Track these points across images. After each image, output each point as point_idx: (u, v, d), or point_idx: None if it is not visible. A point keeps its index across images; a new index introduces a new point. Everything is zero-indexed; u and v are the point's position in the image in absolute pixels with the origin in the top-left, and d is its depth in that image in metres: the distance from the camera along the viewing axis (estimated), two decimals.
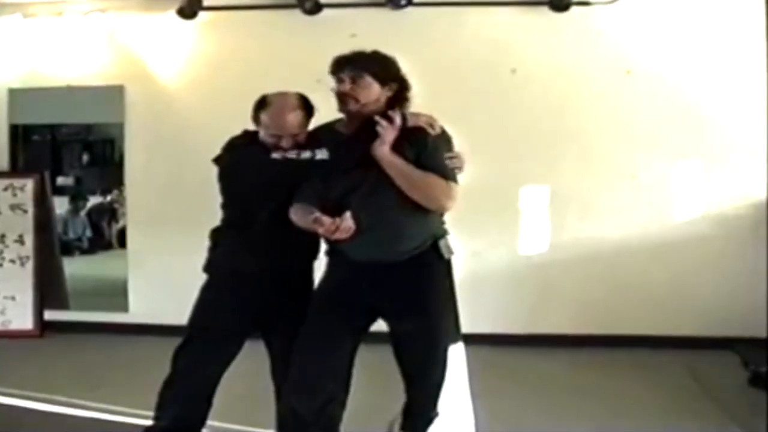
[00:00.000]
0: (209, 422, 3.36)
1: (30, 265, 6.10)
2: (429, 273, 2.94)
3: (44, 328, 6.08)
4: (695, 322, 5.56)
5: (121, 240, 6.30)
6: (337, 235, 2.71)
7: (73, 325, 6.04)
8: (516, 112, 5.65)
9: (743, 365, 4.97)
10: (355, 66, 2.93)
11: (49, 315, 6.12)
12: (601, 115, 5.61)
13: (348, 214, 2.72)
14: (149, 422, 3.35)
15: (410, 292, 2.91)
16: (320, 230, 2.72)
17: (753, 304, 5.43)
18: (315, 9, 5.68)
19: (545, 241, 5.74)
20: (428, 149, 2.88)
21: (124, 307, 6.10)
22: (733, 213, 5.54)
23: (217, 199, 3.29)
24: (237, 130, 3.27)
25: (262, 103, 3.15)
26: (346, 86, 2.92)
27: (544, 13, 5.57)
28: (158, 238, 5.93)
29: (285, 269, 3.19)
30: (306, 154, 2.93)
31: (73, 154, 6.71)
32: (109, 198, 6.65)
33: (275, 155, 3.00)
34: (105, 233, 6.71)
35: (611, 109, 5.59)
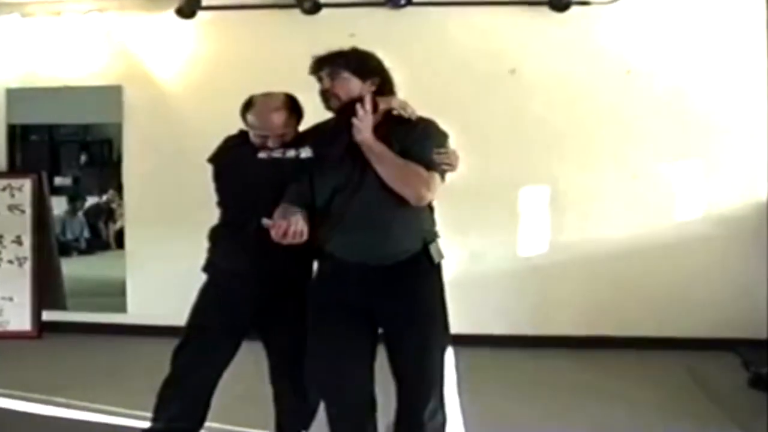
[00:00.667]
0: (208, 423, 3.35)
1: (28, 266, 6.09)
2: (421, 278, 2.92)
3: (42, 328, 6.06)
4: (695, 323, 5.55)
5: (119, 240, 6.30)
6: (288, 240, 2.70)
7: (71, 326, 6.02)
8: (515, 112, 5.64)
9: (744, 366, 4.97)
10: (332, 63, 2.93)
11: (47, 316, 6.10)
12: (601, 115, 5.60)
13: (298, 217, 2.72)
14: (148, 423, 3.33)
15: (403, 298, 2.88)
16: (272, 234, 2.70)
17: (754, 305, 5.43)
18: (314, 8, 5.66)
19: (545, 242, 5.73)
20: (413, 139, 2.86)
21: (122, 308, 6.09)
22: (734, 213, 5.54)
23: (216, 199, 3.29)
24: (235, 131, 3.27)
25: (248, 104, 3.18)
26: (326, 84, 2.93)
27: (544, 13, 5.56)
28: (156, 238, 5.91)
29: (282, 269, 3.17)
30: (291, 153, 2.95)
31: (71, 154, 6.70)
32: (104, 198, 6.64)
33: (261, 155, 3.02)
34: (103, 234, 6.70)
35: (611, 109, 5.58)
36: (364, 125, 2.79)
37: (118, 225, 6.44)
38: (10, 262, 6.09)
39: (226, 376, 3.30)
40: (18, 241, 6.09)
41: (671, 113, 5.53)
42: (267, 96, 3.18)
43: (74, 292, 6.28)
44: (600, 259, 5.61)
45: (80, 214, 6.68)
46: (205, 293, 3.31)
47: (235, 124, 3.26)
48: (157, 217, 5.96)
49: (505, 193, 5.69)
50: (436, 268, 2.96)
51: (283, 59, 5.52)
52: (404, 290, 2.88)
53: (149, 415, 3.32)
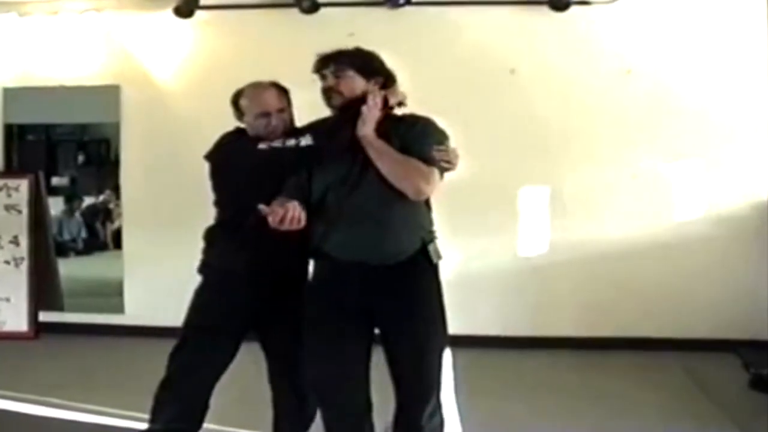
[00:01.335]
0: (206, 425, 3.32)
1: (25, 266, 6.07)
2: (419, 279, 2.90)
3: (39, 329, 6.04)
4: (696, 324, 5.54)
5: (117, 241, 6.29)
6: (285, 226, 2.66)
7: (68, 327, 6.01)
8: (515, 112, 5.62)
9: (744, 368, 4.96)
10: (337, 61, 2.93)
11: (44, 316, 6.08)
12: (601, 115, 5.59)
13: (295, 203, 2.69)
14: (145, 425, 3.30)
15: (401, 299, 2.86)
16: (269, 220, 2.67)
17: (754, 306, 5.42)
18: (312, 8, 5.65)
19: (545, 243, 5.72)
20: (413, 136, 2.86)
21: (119, 309, 6.07)
22: (735, 214, 5.53)
23: (213, 198, 3.27)
24: None
25: (238, 94, 3.23)
26: (330, 81, 2.93)
27: (544, 13, 5.55)
28: (154, 238, 5.91)
29: (280, 268, 3.15)
30: (291, 142, 2.93)
31: (68, 154, 6.69)
32: (102, 198, 6.63)
33: (262, 145, 3.00)
34: (100, 234, 6.69)
35: (612, 109, 5.57)
36: (370, 117, 2.80)
37: (115, 225, 6.44)
38: (7, 262, 6.07)
39: (225, 377, 3.27)
40: (15, 241, 6.07)
41: (671, 113, 5.52)
42: (254, 82, 3.24)
43: (71, 293, 6.26)
44: (600, 259, 5.60)
45: (77, 214, 6.67)
46: (200, 294, 3.28)
47: (233, 124, 3.25)
48: (155, 217, 5.95)
49: (504, 193, 5.69)
50: (434, 269, 2.94)
51: (281, 59, 5.46)
52: (403, 291, 2.86)
53: (147, 416, 3.28)
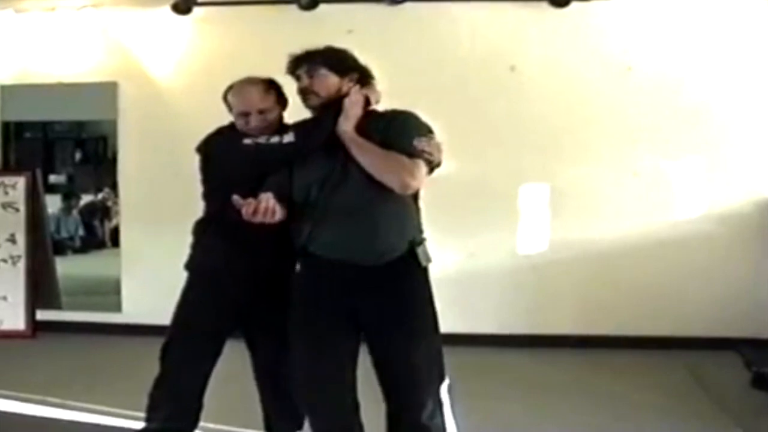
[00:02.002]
0: (202, 423, 3.33)
1: (22, 265, 6.05)
2: (408, 280, 2.85)
3: (36, 328, 6.02)
4: (697, 322, 5.53)
5: (114, 239, 6.27)
6: (258, 218, 2.64)
7: (66, 326, 5.98)
8: (515, 110, 5.60)
9: (746, 366, 4.91)
10: (309, 61, 2.92)
11: (41, 315, 6.06)
12: (601, 113, 5.57)
13: (269, 195, 2.67)
14: (142, 424, 3.32)
15: (390, 301, 2.82)
16: (243, 212, 2.65)
17: (756, 304, 5.42)
18: (311, 4, 5.62)
19: (545, 241, 5.70)
20: (394, 128, 2.83)
21: (117, 307, 6.06)
22: (737, 211, 5.51)
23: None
24: None
25: (228, 90, 3.24)
26: (304, 82, 2.91)
27: (544, 9, 5.54)
28: (152, 237, 5.88)
29: (265, 266, 3.16)
30: (275, 139, 2.92)
31: (66, 151, 6.69)
32: (100, 196, 6.61)
33: (246, 141, 3.00)
34: (98, 232, 6.68)
35: (612, 106, 5.55)
36: (351, 114, 2.79)
37: (113, 223, 6.42)
38: (4, 260, 6.05)
39: (221, 375, 3.28)
40: (12, 239, 6.05)
41: (672, 110, 5.50)
42: (247, 77, 3.24)
43: (69, 291, 6.24)
44: (600, 257, 5.58)
45: (75, 212, 6.67)
46: (186, 291, 3.30)
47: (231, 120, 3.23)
48: (153, 215, 5.93)
49: (504, 190, 5.66)
50: (423, 271, 2.90)
51: (279, 56, 5.46)
52: (389, 292, 2.81)
53: (144, 415, 3.30)
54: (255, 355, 3.40)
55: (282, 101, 3.21)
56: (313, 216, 2.82)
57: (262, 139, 2.96)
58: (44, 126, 6.58)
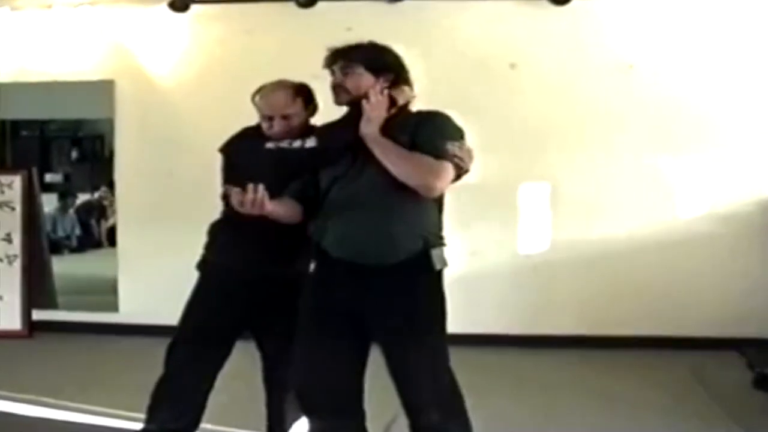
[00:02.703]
0: (203, 425, 3.29)
1: (18, 264, 6.02)
2: (416, 285, 2.77)
3: (32, 328, 6.01)
4: (699, 322, 5.51)
5: (111, 238, 6.28)
6: (246, 208, 2.59)
7: (62, 325, 5.97)
8: (515, 108, 5.58)
9: (748, 367, 4.93)
10: (346, 57, 2.85)
11: (37, 315, 6.05)
12: (602, 111, 5.55)
13: (260, 186, 2.59)
14: (140, 425, 3.28)
15: (394, 306, 2.74)
16: (233, 202, 2.62)
17: (758, 304, 5.40)
18: (309, 2, 5.60)
19: (546, 240, 5.69)
20: (425, 129, 2.76)
21: (114, 307, 6.03)
22: (739, 211, 5.49)
23: (209, 195, 3.27)
24: (230, 126, 3.24)
25: (256, 92, 3.18)
26: (338, 78, 2.85)
27: (544, 6, 5.52)
28: (149, 236, 5.86)
29: (280, 268, 3.11)
30: (296, 144, 2.92)
31: (62, 150, 6.70)
32: (97, 195, 6.61)
33: (269, 145, 3.00)
34: (94, 231, 6.68)
35: (613, 105, 5.53)
36: (374, 116, 2.72)
37: (110, 222, 6.41)
38: (0, 260, 6.03)
39: (222, 375, 3.25)
40: (8, 238, 6.02)
41: (674, 108, 5.48)
42: (277, 80, 3.20)
43: (65, 291, 6.23)
44: (602, 257, 5.57)
45: (71, 211, 6.69)
46: (197, 291, 3.26)
47: (229, 119, 3.22)
48: (150, 214, 5.91)
49: (505, 189, 5.65)
50: (437, 275, 2.82)
51: (278, 53, 5.49)
52: (396, 295, 2.74)
53: (142, 416, 3.27)
54: (265, 358, 3.36)
55: (310, 106, 3.18)
56: (326, 212, 2.79)
57: (284, 143, 2.96)
58: (41, 124, 6.58)
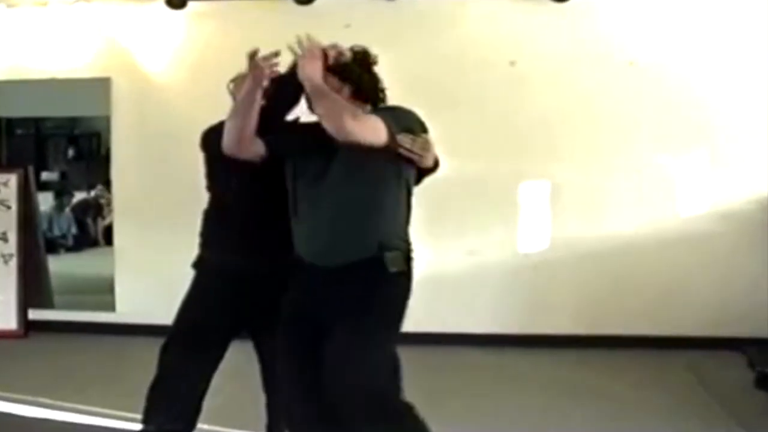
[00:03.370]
0: (199, 425, 3.28)
1: (14, 263, 6.00)
2: (365, 287, 2.72)
3: (28, 327, 5.99)
4: (700, 321, 5.50)
5: (108, 237, 6.27)
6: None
7: (59, 325, 5.95)
8: (515, 105, 5.57)
9: (750, 366, 4.92)
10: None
11: (33, 314, 6.03)
12: (603, 108, 5.54)
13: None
14: (137, 426, 3.27)
15: (338, 306, 2.72)
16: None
17: (760, 303, 5.38)
18: None
19: (545, 239, 5.67)
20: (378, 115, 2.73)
21: (110, 307, 6.02)
22: (741, 209, 5.47)
23: (207, 193, 3.25)
24: None
25: (234, 78, 3.31)
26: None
27: (544, 3, 5.51)
28: (146, 234, 5.85)
29: (275, 265, 3.07)
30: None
31: (58, 148, 6.70)
32: (93, 193, 6.59)
33: None
34: (91, 230, 6.67)
35: (614, 102, 5.52)
36: (308, 61, 2.70)
37: (106, 221, 6.40)
38: None
39: (221, 376, 3.24)
40: (3, 237, 6.01)
41: (675, 106, 5.47)
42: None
43: (61, 290, 6.23)
44: (602, 255, 5.55)
45: (67, 209, 6.68)
46: (193, 290, 3.24)
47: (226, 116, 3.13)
48: (147, 213, 5.90)
49: (504, 187, 5.64)
50: (391, 279, 2.74)
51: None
52: (347, 301, 2.71)
53: (139, 417, 3.25)
54: (263, 359, 3.34)
55: None
56: (292, 208, 2.82)
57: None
58: (36, 122, 6.57)
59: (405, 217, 2.84)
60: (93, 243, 6.67)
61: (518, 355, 5.40)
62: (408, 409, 2.72)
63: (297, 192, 2.80)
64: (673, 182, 5.58)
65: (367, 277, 2.72)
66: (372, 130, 2.62)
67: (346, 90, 2.79)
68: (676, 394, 4.62)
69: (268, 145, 2.82)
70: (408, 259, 2.81)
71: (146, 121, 5.87)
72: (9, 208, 6.02)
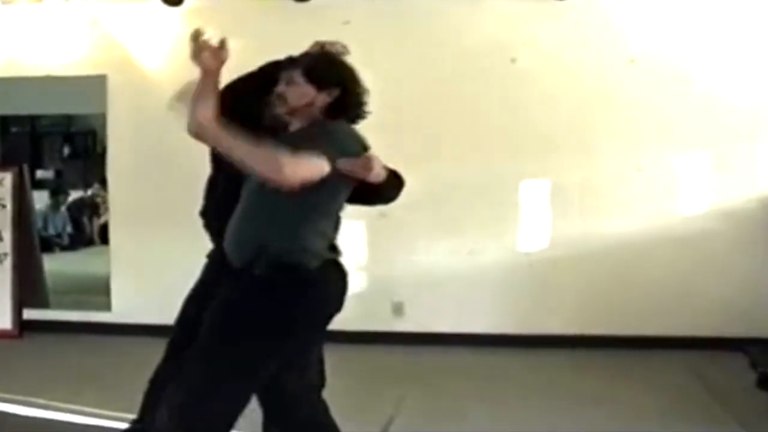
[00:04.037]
0: None
1: (8, 263, 5.99)
2: (236, 290, 2.58)
3: (23, 327, 5.97)
4: (702, 322, 5.48)
5: (103, 236, 6.26)
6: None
7: (54, 325, 5.94)
8: (516, 103, 5.56)
9: (752, 367, 4.90)
10: (294, 66, 2.69)
11: (28, 314, 6.02)
12: (604, 106, 5.54)
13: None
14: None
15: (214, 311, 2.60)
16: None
17: (762, 303, 5.37)
18: None
19: (545, 238, 5.66)
20: (306, 135, 2.57)
21: (106, 306, 6.00)
22: (743, 208, 5.46)
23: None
24: None
25: None
26: (281, 87, 2.67)
27: (545, 1, 5.50)
28: (142, 233, 5.83)
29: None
30: None
31: (54, 146, 6.69)
32: (89, 192, 6.57)
33: None
34: (86, 229, 6.65)
35: (614, 100, 5.52)
36: (199, 96, 2.59)
37: (102, 220, 6.38)
38: None
39: None
40: None
41: (677, 104, 5.47)
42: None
43: (56, 290, 6.21)
44: (603, 255, 5.54)
45: (63, 208, 6.67)
46: (196, 285, 3.18)
47: None
48: (143, 211, 5.88)
49: (504, 186, 5.63)
50: (266, 284, 2.54)
51: (274, 48, 5.38)
52: (223, 304, 2.60)
53: (134, 416, 3.25)
54: None
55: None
56: None
57: None
58: (32, 120, 6.55)
59: (322, 225, 2.64)
60: (88, 242, 6.67)
61: (518, 354, 5.38)
62: None
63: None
64: (674, 181, 5.58)
65: (241, 281, 2.57)
66: (313, 166, 2.44)
67: (321, 98, 2.63)
68: (677, 395, 4.60)
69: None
70: (295, 267, 2.55)
71: (142, 118, 5.83)
72: (4, 206, 6.00)
